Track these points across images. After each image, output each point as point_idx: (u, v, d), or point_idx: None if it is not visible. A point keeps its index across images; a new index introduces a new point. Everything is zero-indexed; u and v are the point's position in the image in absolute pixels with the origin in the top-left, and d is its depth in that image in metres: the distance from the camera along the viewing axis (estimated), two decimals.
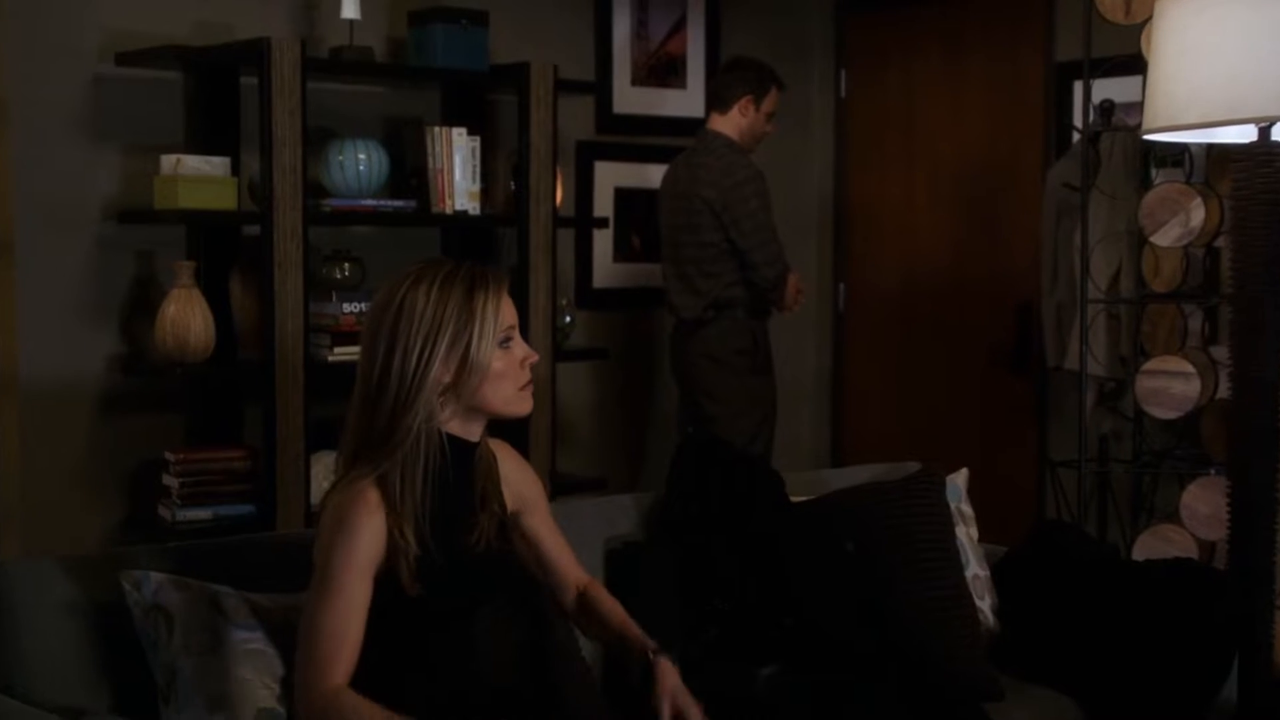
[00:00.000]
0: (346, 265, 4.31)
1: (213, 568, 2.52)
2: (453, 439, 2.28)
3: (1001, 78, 5.37)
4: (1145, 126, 3.02)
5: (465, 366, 2.23)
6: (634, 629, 2.48)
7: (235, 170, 4.17)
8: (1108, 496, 4.79)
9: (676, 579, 2.93)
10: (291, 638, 2.30)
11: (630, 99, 5.32)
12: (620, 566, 2.99)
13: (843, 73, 5.84)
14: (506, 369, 2.27)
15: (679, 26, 5.45)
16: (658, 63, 5.41)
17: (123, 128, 4.21)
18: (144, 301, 4.22)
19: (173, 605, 2.38)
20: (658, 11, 5.38)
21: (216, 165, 4.10)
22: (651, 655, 2.39)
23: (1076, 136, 4.77)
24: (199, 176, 4.04)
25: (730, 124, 4.72)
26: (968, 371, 5.49)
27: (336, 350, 4.16)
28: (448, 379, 2.23)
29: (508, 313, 2.28)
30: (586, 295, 5.24)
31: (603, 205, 5.25)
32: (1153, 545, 3.97)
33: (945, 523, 3.28)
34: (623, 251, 5.33)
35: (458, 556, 2.26)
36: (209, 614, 2.39)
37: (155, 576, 2.41)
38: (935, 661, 3.03)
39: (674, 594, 2.91)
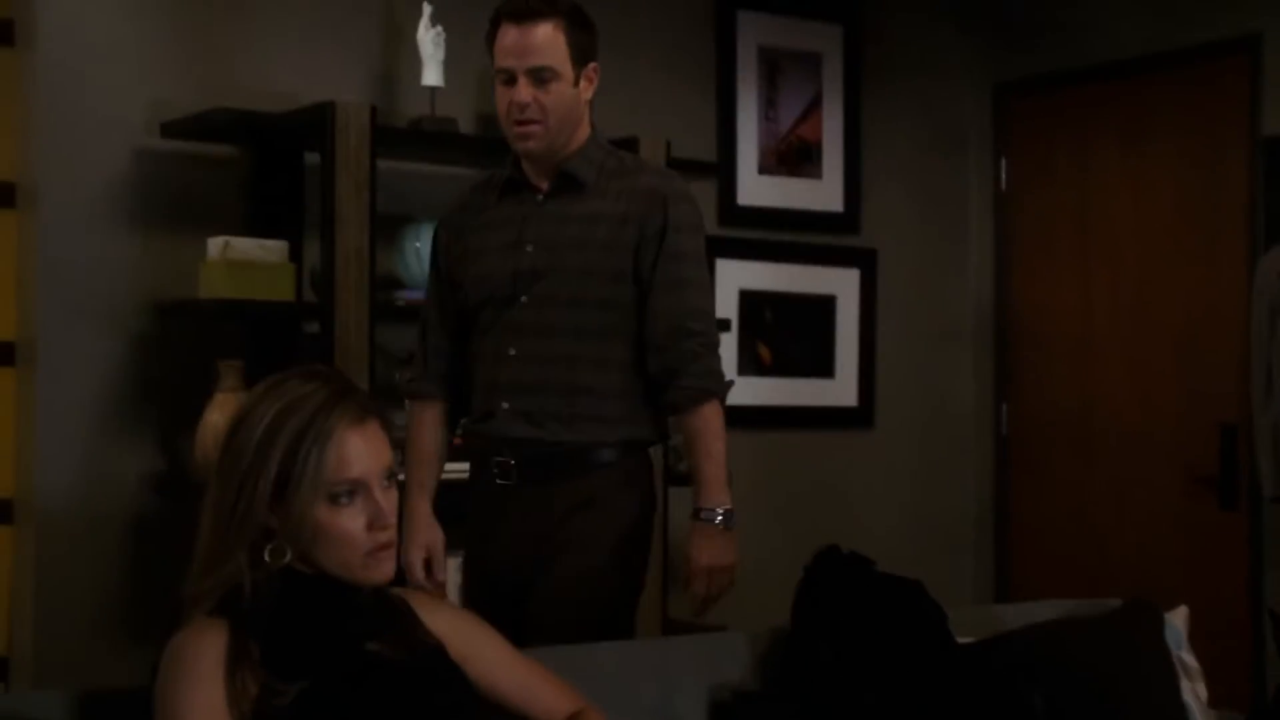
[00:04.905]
0: None
1: None
2: (319, 577, 1.98)
3: (1194, 160, 5.01)
4: None
5: (287, 516, 1.94)
6: None
7: (295, 256, 3.83)
8: None
9: None
10: None
11: (757, 189, 4.97)
12: None
13: (1003, 161, 5.55)
14: (344, 532, 1.95)
15: (814, 107, 5.12)
16: (789, 148, 5.07)
17: (166, 209, 3.91)
18: (184, 409, 3.84)
19: None
20: (789, 89, 5.05)
21: (271, 250, 3.77)
22: None
23: None
24: (250, 261, 3.71)
25: None
26: (1161, 505, 5.08)
27: None
28: (275, 524, 1.94)
29: (352, 461, 1.95)
30: None
31: (725, 307, 4.82)
32: None
33: (1167, 673, 2.78)
34: (748, 363, 4.94)
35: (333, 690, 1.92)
36: None
37: None
38: None
39: None
